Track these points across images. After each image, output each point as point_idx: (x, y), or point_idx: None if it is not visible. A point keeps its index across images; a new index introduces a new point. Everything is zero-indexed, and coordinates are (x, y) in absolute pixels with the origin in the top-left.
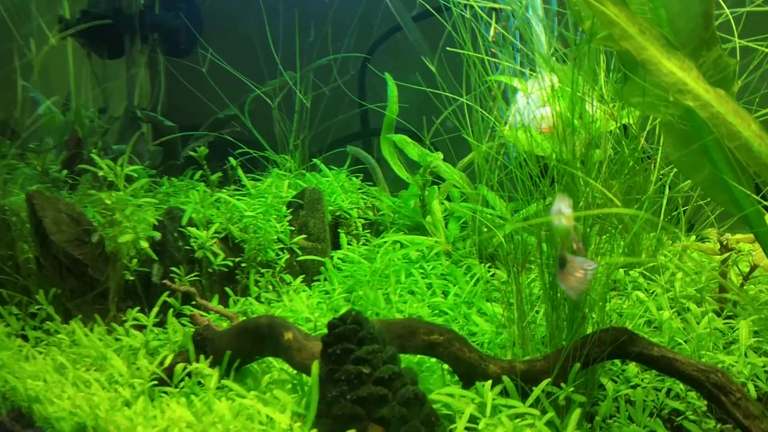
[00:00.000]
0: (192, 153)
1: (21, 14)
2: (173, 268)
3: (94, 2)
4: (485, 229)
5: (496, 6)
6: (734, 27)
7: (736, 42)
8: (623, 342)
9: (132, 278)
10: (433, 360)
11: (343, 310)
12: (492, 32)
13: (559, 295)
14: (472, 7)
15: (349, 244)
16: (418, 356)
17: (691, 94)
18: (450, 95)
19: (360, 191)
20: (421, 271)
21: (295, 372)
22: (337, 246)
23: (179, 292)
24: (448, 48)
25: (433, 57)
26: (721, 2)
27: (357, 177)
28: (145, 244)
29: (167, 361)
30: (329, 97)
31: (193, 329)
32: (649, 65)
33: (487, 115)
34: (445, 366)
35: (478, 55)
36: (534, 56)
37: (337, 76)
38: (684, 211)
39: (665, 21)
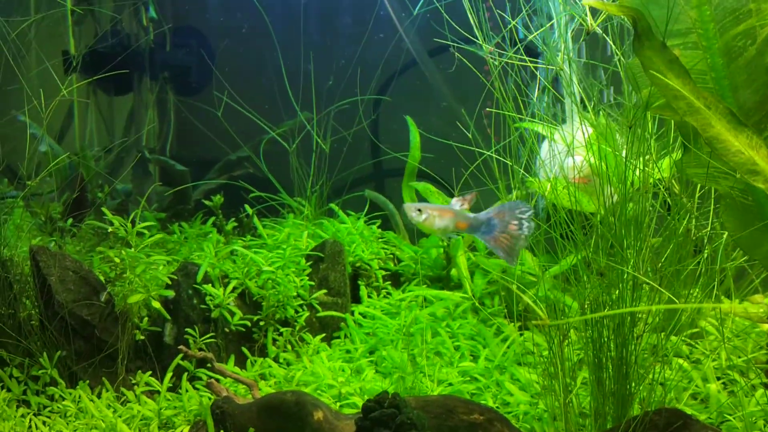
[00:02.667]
0: (207, 202)
1: (22, 50)
2: (188, 329)
3: (101, 38)
4: (514, 287)
5: (536, 64)
6: None
7: None
8: (676, 426)
9: (142, 338)
10: None
11: (366, 372)
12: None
13: (604, 364)
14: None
15: (369, 296)
16: None
17: (762, 175)
18: (476, 149)
19: (380, 240)
20: (448, 329)
21: None
22: (356, 299)
23: (195, 358)
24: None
25: (451, 97)
26: None
27: (374, 223)
28: (157, 304)
29: None
30: (348, 142)
31: (210, 397)
32: (715, 143)
33: (516, 167)
34: None
35: (509, 113)
36: (568, 106)
37: (362, 116)
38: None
39: (728, 92)
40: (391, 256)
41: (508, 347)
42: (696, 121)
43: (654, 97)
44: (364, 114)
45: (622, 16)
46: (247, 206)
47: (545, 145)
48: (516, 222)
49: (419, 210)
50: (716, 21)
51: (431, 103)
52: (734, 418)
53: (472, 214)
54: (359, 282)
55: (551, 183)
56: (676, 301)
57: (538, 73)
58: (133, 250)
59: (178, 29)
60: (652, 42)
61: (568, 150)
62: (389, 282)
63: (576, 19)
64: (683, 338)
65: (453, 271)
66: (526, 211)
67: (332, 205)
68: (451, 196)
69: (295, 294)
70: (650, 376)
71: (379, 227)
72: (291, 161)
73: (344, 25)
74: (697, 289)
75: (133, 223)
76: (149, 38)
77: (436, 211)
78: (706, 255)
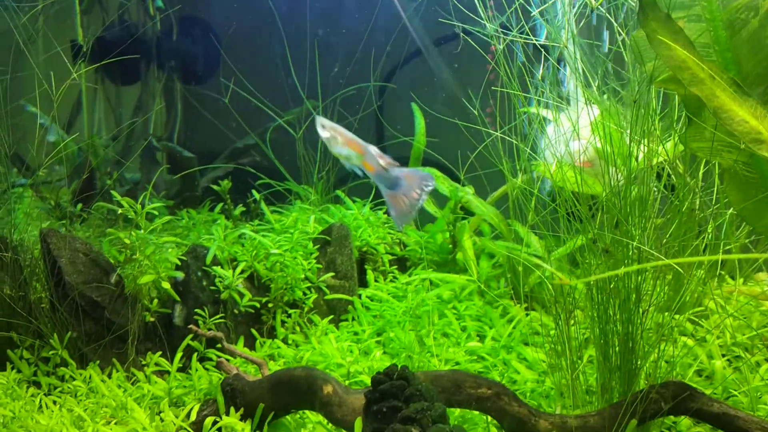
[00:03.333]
0: (214, 187)
1: (33, 35)
2: (197, 310)
3: (107, 27)
4: (521, 269)
5: (534, 41)
6: None
7: None
8: (683, 398)
9: (152, 319)
10: (476, 413)
11: (374, 353)
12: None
13: (610, 340)
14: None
15: (376, 280)
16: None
17: (766, 143)
18: (483, 129)
19: (386, 225)
20: (454, 311)
21: (333, 427)
22: (363, 283)
23: (205, 337)
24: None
25: (454, 83)
26: None
27: (380, 209)
28: (167, 285)
29: (194, 414)
30: (354, 128)
31: (221, 377)
32: (720, 113)
33: (523, 146)
34: (491, 419)
35: (513, 91)
36: (573, 89)
37: (374, 101)
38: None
39: (732, 64)
40: (397, 241)
41: (514, 327)
42: (701, 91)
43: (658, 70)
44: (369, 101)
45: None
46: (254, 191)
47: (550, 128)
48: (419, 191)
49: (323, 126)
50: None
51: (435, 89)
52: (739, 393)
53: (385, 162)
54: (366, 266)
55: (555, 165)
56: (681, 271)
57: (542, 51)
58: (142, 231)
59: (184, 18)
60: (657, 14)
61: (572, 132)
62: (395, 266)
63: None
64: (689, 316)
65: (459, 255)
66: (430, 185)
67: (338, 192)
68: (457, 180)
69: (303, 276)
70: (655, 352)
71: (384, 213)
72: (297, 148)
73: (350, 12)
74: (702, 271)
75: (143, 205)
76: (156, 27)
77: (341, 137)
78: (710, 231)
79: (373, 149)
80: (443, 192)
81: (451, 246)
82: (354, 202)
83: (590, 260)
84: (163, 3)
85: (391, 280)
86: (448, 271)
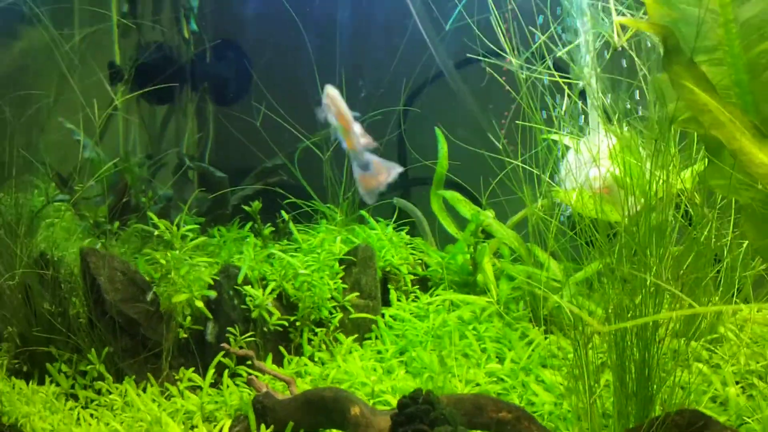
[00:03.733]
0: (246, 208)
1: (73, 65)
2: (229, 328)
3: (143, 49)
4: (540, 291)
5: (560, 80)
6: None
7: None
8: (697, 427)
9: (185, 336)
10: None
11: (397, 372)
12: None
13: (627, 366)
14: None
15: (398, 300)
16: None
17: None
18: (504, 158)
19: (408, 245)
20: (475, 332)
21: None
22: (386, 302)
23: (236, 354)
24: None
25: (477, 109)
26: None
27: (403, 229)
28: (200, 304)
29: (225, 429)
30: (379, 151)
31: (250, 393)
32: (740, 155)
33: (538, 173)
34: None
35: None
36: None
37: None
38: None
39: (752, 106)
40: (419, 261)
41: (533, 350)
42: (721, 134)
43: (679, 111)
44: (394, 125)
45: (652, 34)
46: (283, 212)
47: (570, 155)
48: (384, 177)
49: (328, 94)
50: (741, 38)
51: (458, 114)
52: (752, 421)
53: (365, 141)
54: (389, 286)
55: (576, 193)
56: (696, 306)
57: (566, 88)
58: (177, 252)
59: (217, 41)
60: (681, 58)
61: (592, 161)
62: (417, 286)
63: (602, 36)
64: (703, 344)
65: (479, 277)
66: (394, 173)
67: (363, 212)
68: (479, 204)
69: (329, 296)
70: (671, 379)
71: (407, 233)
72: (324, 169)
73: (376, 39)
74: (716, 297)
75: (178, 226)
76: (190, 50)
77: (335, 108)
78: (725, 264)
79: (358, 128)
80: (465, 215)
81: (471, 267)
82: (378, 222)
83: (608, 287)
84: (197, 26)
85: (413, 300)
86: (468, 292)
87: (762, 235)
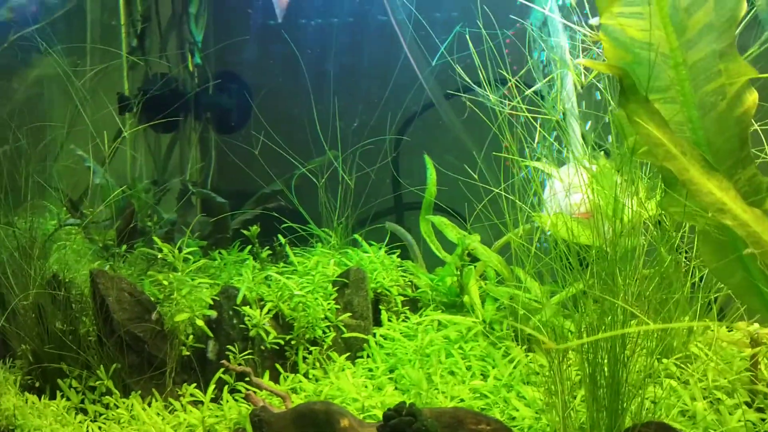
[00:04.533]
0: (245, 232)
1: (85, 95)
2: (228, 346)
3: (148, 80)
4: (522, 312)
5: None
6: None
7: None
8: None
9: (188, 353)
10: None
11: (386, 389)
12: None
13: (598, 381)
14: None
15: (389, 320)
16: None
17: (730, 213)
18: (485, 186)
19: (399, 268)
20: (461, 351)
21: None
22: (378, 322)
23: (235, 371)
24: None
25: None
26: None
27: (394, 252)
28: (201, 323)
29: None
30: (372, 179)
31: (248, 407)
32: (690, 185)
33: (521, 204)
34: None
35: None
36: (571, 147)
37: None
38: (715, 299)
39: (703, 141)
40: (410, 283)
41: (515, 367)
42: (673, 166)
43: (639, 144)
44: (386, 153)
45: (611, 74)
46: (279, 236)
47: (556, 183)
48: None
49: None
50: (691, 79)
51: (446, 142)
52: None
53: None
54: (380, 306)
55: (553, 218)
56: (650, 323)
57: (538, 123)
58: (180, 274)
59: (219, 74)
60: (636, 96)
61: (570, 188)
62: (407, 307)
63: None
64: (674, 361)
65: (465, 298)
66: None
67: (356, 236)
68: (464, 228)
69: (323, 316)
70: (641, 393)
71: (398, 256)
72: (319, 195)
73: (369, 72)
74: (687, 317)
75: (180, 249)
76: (195, 82)
77: None
78: (688, 285)
79: None
80: (452, 239)
81: (458, 289)
82: (370, 245)
83: (581, 307)
84: (201, 60)
85: (403, 320)
86: (455, 313)
87: (717, 258)
